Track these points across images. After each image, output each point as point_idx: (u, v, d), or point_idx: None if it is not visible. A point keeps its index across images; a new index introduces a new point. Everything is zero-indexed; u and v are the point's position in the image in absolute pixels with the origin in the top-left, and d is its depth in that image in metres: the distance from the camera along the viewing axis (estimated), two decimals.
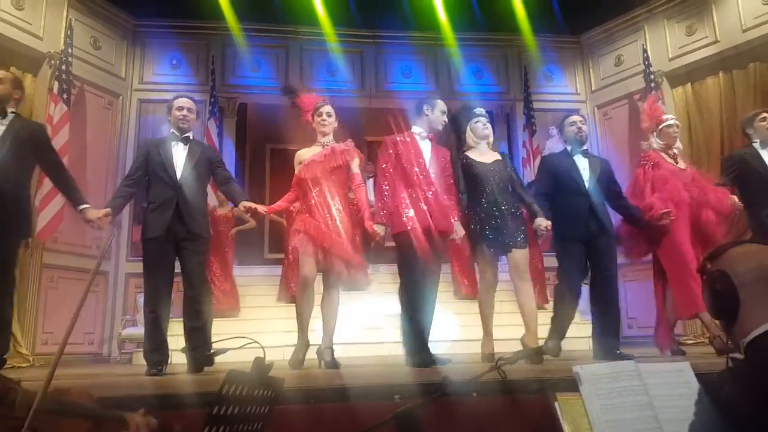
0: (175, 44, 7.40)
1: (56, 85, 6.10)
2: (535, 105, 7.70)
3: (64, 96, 6.11)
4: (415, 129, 3.62)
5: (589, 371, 1.57)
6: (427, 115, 3.62)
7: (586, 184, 3.63)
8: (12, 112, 3.39)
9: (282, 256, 6.78)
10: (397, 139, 3.56)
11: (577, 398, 1.56)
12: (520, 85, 7.79)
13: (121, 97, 7.18)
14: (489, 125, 3.75)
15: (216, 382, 1.23)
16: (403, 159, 3.48)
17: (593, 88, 8.01)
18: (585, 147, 3.80)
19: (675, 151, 3.96)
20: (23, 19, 6.03)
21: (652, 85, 6.99)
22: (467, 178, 3.63)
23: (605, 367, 1.61)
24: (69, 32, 6.35)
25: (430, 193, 3.44)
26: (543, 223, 3.51)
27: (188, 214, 3.41)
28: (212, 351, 3.29)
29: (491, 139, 3.77)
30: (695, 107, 7.00)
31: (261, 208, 3.56)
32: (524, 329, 3.57)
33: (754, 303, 1.17)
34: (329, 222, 3.53)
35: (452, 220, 3.52)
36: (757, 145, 3.99)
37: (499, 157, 3.71)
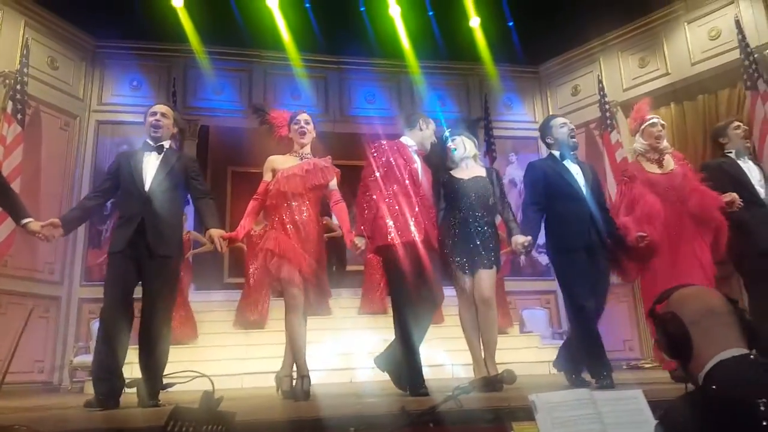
0: (136, 65, 7.44)
1: (10, 104, 6.05)
2: (495, 132, 8.02)
3: (18, 116, 6.06)
4: (407, 140, 3.51)
5: (544, 399, 1.59)
6: (421, 130, 3.51)
7: (583, 190, 3.39)
8: None
9: (243, 280, 6.76)
10: (387, 146, 3.41)
11: (533, 427, 1.58)
12: (480, 112, 8.06)
13: (78, 118, 7.14)
14: (465, 142, 3.66)
15: (165, 416, 1.24)
16: (393, 165, 3.34)
17: None
18: (574, 152, 3.57)
19: (665, 151, 3.69)
20: None
21: (607, 114, 7.32)
22: (446, 194, 3.56)
23: (560, 395, 1.64)
24: (25, 51, 6.32)
25: (419, 200, 3.32)
26: (520, 239, 3.31)
27: (153, 230, 3.14)
28: (164, 385, 3.10)
29: (471, 153, 3.66)
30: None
31: (222, 245, 3.20)
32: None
33: (705, 339, 1.28)
34: (304, 240, 3.34)
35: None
36: (732, 154, 3.94)
37: (482, 173, 3.60)
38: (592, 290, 3.27)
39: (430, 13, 7.38)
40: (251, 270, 6.58)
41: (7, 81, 6.18)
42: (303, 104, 7.60)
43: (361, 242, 3.29)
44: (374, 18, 7.27)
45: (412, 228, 3.23)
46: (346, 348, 5.68)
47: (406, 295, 3.19)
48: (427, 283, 3.31)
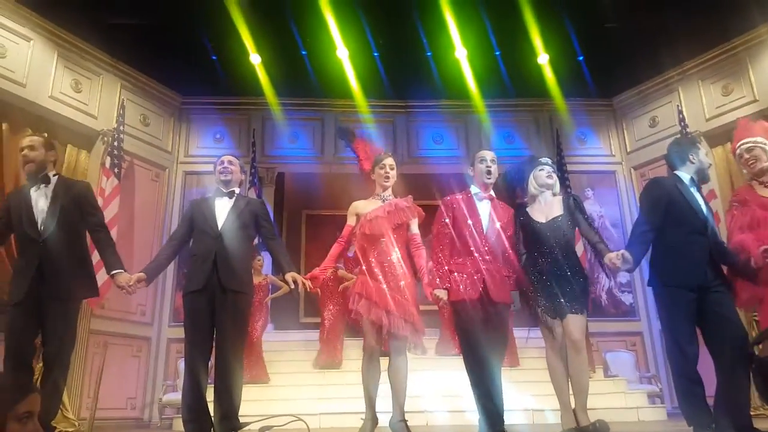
0: (218, 119, 8.39)
1: (108, 160, 6.97)
2: (570, 167, 8.15)
3: (115, 170, 6.93)
4: (472, 188, 3.59)
5: None
6: (473, 174, 3.59)
7: (709, 221, 3.23)
8: (55, 175, 3.58)
9: (318, 320, 7.12)
10: (456, 197, 3.54)
11: None
12: (552, 148, 8.25)
13: (167, 170, 8.12)
14: (554, 175, 3.63)
15: None
16: (459, 221, 3.44)
17: (629, 150, 8.43)
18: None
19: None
20: (80, 101, 7.02)
21: None
22: (525, 237, 3.54)
23: None
24: (121, 111, 7.32)
25: (488, 258, 3.38)
26: (611, 255, 3.19)
27: (226, 267, 3.39)
28: (263, 427, 3.29)
29: (557, 189, 3.62)
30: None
31: (308, 284, 3.47)
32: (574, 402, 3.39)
33: None
34: (392, 281, 3.48)
35: (511, 291, 3.45)
36: None
37: (559, 212, 3.52)
38: (715, 335, 3.09)
39: (497, 53, 7.66)
40: (326, 312, 6.93)
41: (106, 138, 7.14)
42: None
43: (442, 294, 3.33)
44: (440, 61, 7.71)
45: (477, 286, 3.30)
46: (422, 390, 5.61)
47: (475, 350, 3.28)
48: (494, 338, 3.35)
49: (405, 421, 3.41)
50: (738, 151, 3.50)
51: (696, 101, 7.58)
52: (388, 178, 3.70)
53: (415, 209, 3.71)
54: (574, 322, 3.33)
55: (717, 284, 3.16)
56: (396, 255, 3.55)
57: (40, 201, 3.46)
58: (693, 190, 3.34)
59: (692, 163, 3.39)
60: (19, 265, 3.45)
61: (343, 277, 7.27)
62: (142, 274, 3.46)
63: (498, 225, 3.46)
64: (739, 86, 7.18)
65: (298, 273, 3.55)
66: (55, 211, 3.43)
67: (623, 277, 7.95)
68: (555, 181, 3.61)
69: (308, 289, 3.49)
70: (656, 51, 7.32)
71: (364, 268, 3.59)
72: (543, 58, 7.68)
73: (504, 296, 3.37)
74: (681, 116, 7.45)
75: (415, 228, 3.70)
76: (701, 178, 3.40)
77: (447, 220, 3.47)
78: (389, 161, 3.75)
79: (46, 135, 5.37)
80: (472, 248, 3.37)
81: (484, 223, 3.45)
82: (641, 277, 7.77)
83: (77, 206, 3.53)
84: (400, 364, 3.47)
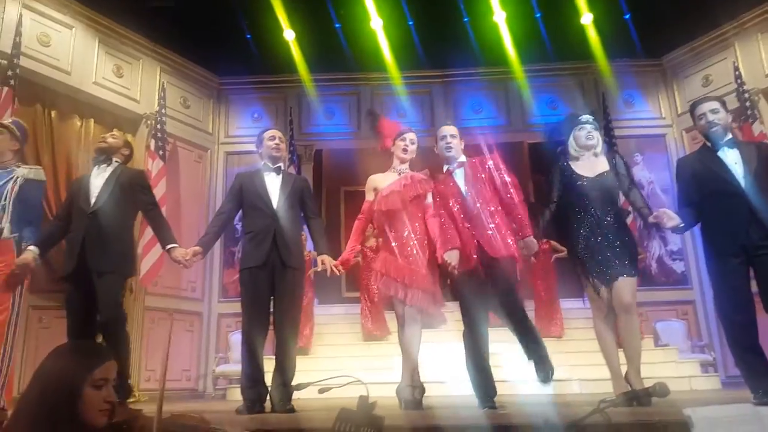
0: (256, 99, 8.63)
1: (153, 142, 7.29)
2: (618, 132, 7.99)
3: (160, 152, 7.27)
4: (444, 166, 3.74)
5: (702, 415, 1.54)
6: (438, 152, 3.75)
7: (741, 182, 3.11)
8: (116, 161, 3.84)
9: (359, 294, 7.33)
10: (437, 180, 3.71)
11: None
12: (598, 112, 7.95)
13: (209, 151, 8.47)
14: (594, 134, 3.59)
15: (311, 420, 1.42)
16: (443, 199, 3.59)
17: (679, 111, 8.17)
18: (729, 137, 3.26)
19: None
20: (123, 85, 7.36)
21: (747, 104, 6.94)
22: (567, 192, 3.51)
23: (720, 410, 1.59)
24: (162, 94, 7.62)
25: (479, 219, 3.44)
26: (658, 212, 3.26)
27: (284, 245, 3.55)
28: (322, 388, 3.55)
29: (599, 149, 3.58)
30: None
31: (339, 269, 3.62)
32: (626, 367, 3.40)
33: None
34: (409, 255, 3.58)
35: (522, 238, 3.47)
36: None
37: (606, 168, 3.51)
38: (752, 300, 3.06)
39: (537, 15, 7.54)
40: (373, 285, 7.12)
41: (149, 122, 7.49)
42: (409, 121, 8.16)
43: (452, 256, 3.40)
44: (478, 27, 7.66)
45: (470, 253, 3.40)
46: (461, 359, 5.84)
47: (470, 317, 3.40)
48: (501, 294, 3.39)
49: (411, 386, 3.53)
50: None
51: (754, 56, 7.25)
52: (406, 150, 3.78)
53: (430, 182, 3.77)
54: (626, 285, 3.32)
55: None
56: (412, 227, 3.64)
57: (98, 178, 3.72)
58: (723, 151, 3.24)
59: (700, 132, 3.38)
60: (69, 237, 3.70)
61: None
62: (197, 247, 3.64)
63: (479, 184, 3.54)
64: None
65: (338, 250, 3.71)
66: (108, 188, 3.65)
67: (674, 244, 7.83)
68: (597, 141, 3.57)
69: (339, 273, 3.63)
70: (709, 4, 7.04)
71: (382, 243, 3.73)
72: (587, 18, 7.53)
73: (503, 250, 3.39)
74: (737, 73, 7.15)
75: (430, 198, 3.77)
76: (710, 139, 3.29)
77: (434, 206, 3.63)
78: (410, 135, 3.85)
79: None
80: (460, 218, 3.47)
81: (462, 188, 3.54)
82: (693, 245, 7.65)
83: (131, 187, 3.73)
84: (411, 331, 3.58)
